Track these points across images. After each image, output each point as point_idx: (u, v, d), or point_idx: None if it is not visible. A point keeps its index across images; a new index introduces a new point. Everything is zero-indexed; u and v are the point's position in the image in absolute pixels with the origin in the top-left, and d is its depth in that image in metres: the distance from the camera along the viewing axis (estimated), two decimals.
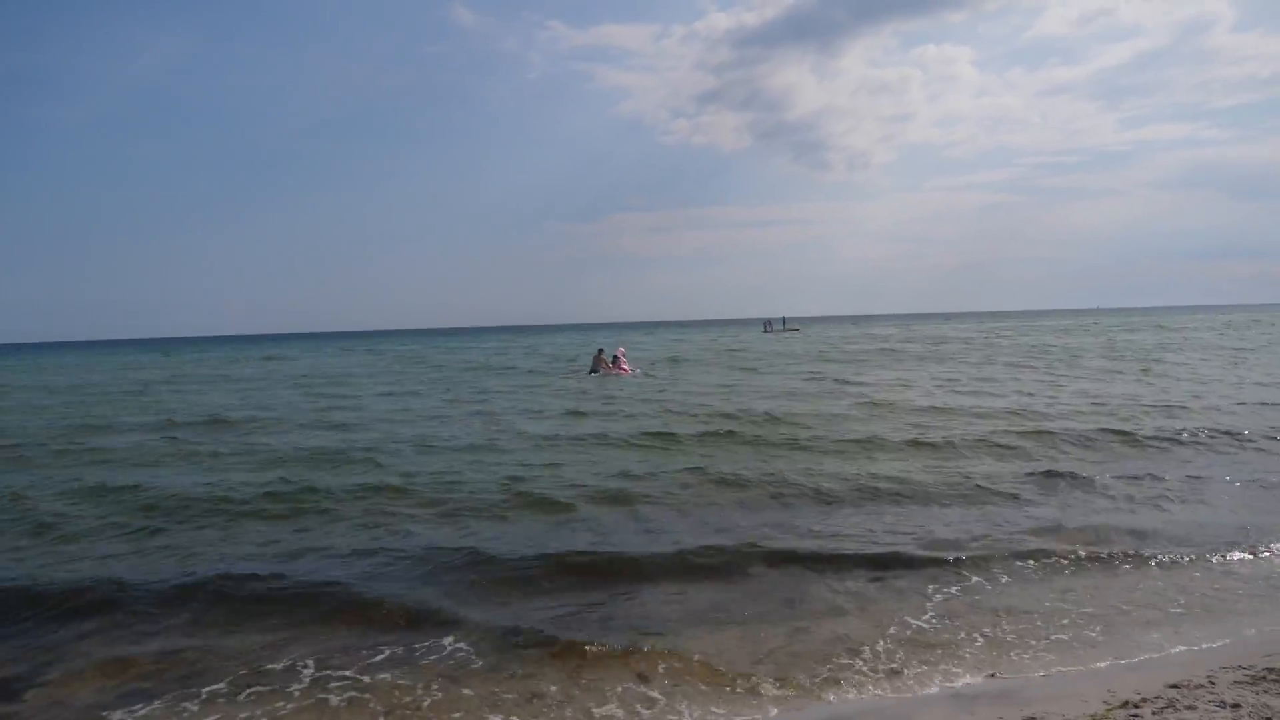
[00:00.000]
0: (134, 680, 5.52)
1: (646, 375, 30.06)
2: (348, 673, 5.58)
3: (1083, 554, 7.63)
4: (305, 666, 5.66)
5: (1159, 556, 7.60)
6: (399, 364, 45.66)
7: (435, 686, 5.36)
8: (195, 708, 5.19)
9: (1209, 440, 13.07)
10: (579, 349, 58.50)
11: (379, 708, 5.14)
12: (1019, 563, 7.47)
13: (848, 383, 25.07)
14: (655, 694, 5.25)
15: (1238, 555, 7.62)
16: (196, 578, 7.33)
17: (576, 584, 7.15)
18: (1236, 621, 6.23)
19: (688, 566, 7.50)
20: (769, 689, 5.30)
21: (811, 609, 6.57)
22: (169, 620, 6.48)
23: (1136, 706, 4.64)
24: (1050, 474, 10.96)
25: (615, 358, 31.93)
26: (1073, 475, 10.84)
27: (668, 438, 14.46)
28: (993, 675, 5.45)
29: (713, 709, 5.08)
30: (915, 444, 13.28)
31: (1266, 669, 5.05)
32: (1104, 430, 14.09)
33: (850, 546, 7.96)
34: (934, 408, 17.82)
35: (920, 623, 6.27)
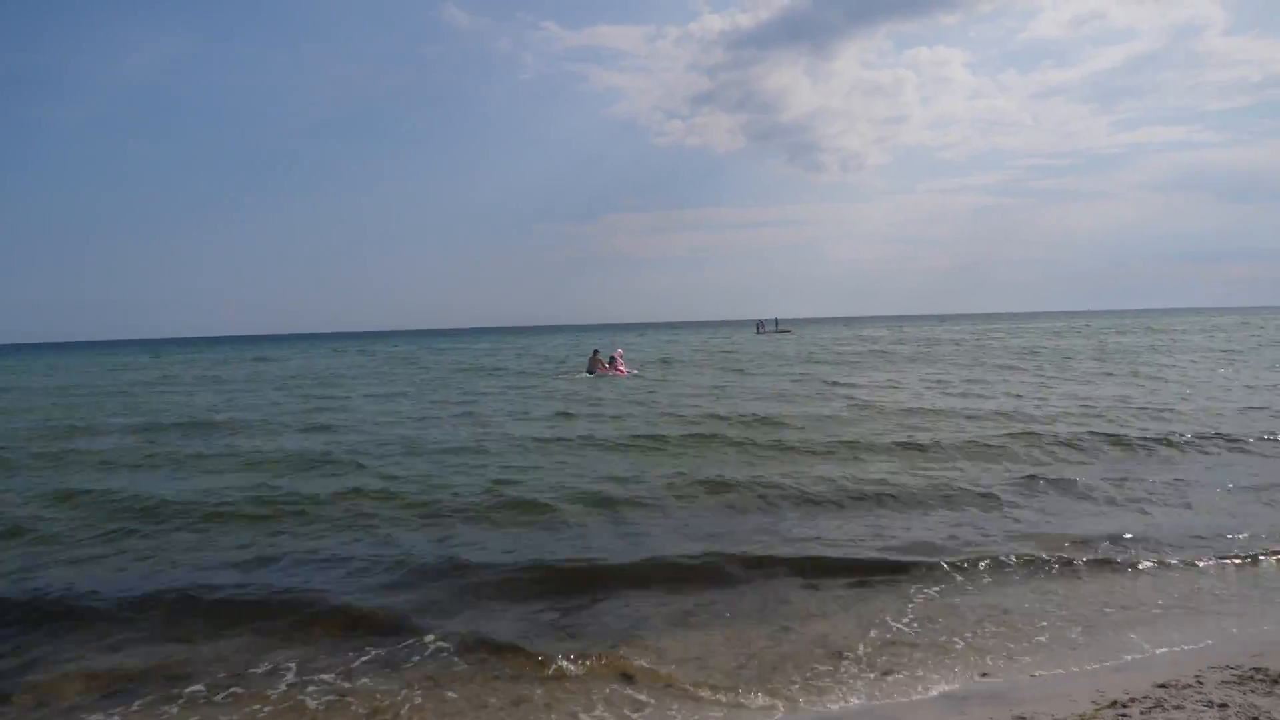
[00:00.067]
0: (111, 685, 5.45)
1: (637, 376, 30.02)
2: (327, 677, 5.52)
3: (1065, 557, 7.59)
4: (285, 671, 5.60)
5: (1140, 560, 7.58)
6: (389, 365, 45.54)
7: (418, 691, 5.29)
8: (174, 710, 5.13)
9: (1195, 443, 13.05)
10: (570, 350, 58.47)
11: (360, 711, 5.08)
12: (1001, 566, 7.41)
13: (837, 384, 25.08)
14: (643, 697, 5.21)
15: (1217, 558, 7.59)
16: (173, 584, 7.25)
17: (560, 589, 7.07)
18: (1214, 623, 6.22)
19: (671, 571, 7.43)
20: (756, 692, 5.26)
21: (796, 612, 6.54)
22: (144, 627, 6.39)
23: (1125, 706, 4.63)
24: (1034, 477, 10.92)
25: (612, 358, 31.95)
26: (1057, 478, 10.79)
27: (655, 440, 14.40)
28: (984, 675, 5.43)
29: (701, 712, 5.04)
30: (902, 446, 13.24)
31: (1254, 669, 5.05)
32: (1091, 433, 14.09)
33: (833, 550, 7.91)
34: (922, 409, 17.80)
35: (901, 625, 6.23)
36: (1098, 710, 4.63)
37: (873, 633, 6.13)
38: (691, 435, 14.84)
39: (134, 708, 5.16)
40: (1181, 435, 13.56)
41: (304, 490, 10.90)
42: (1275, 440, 13.13)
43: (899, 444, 13.40)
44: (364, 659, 5.76)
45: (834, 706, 5.09)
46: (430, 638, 6.03)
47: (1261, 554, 7.70)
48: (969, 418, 16.40)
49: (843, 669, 5.58)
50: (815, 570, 7.36)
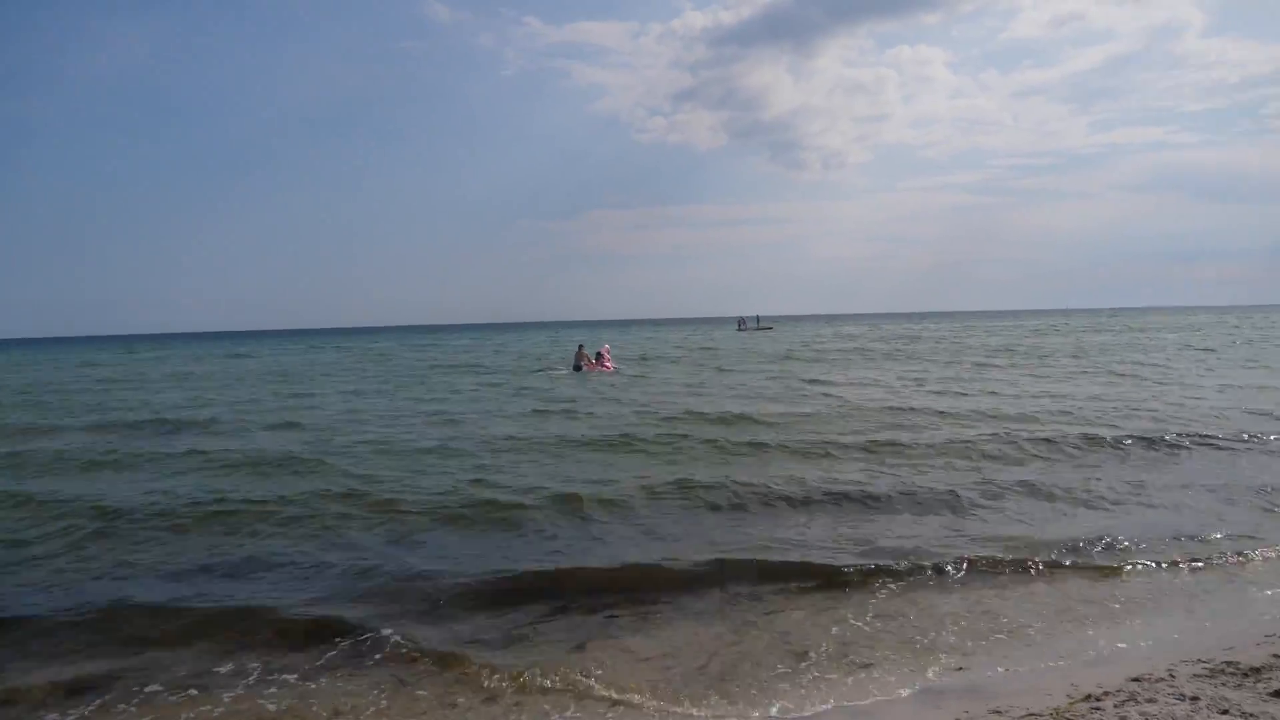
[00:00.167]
0: (69, 692, 5.35)
1: (618, 373, 29.96)
2: (290, 678, 5.48)
3: (1034, 558, 7.56)
4: (248, 674, 5.53)
5: (1110, 559, 7.62)
6: (366, 362, 45.08)
7: (382, 696, 5.22)
8: (133, 708, 5.11)
9: (1168, 442, 13.11)
10: (551, 347, 58.34)
11: (322, 713, 5.03)
12: (969, 566, 7.38)
13: (814, 381, 25.13)
14: (613, 695, 5.19)
15: (1187, 557, 7.63)
16: (129, 592, 7.06)
17: (525, 595, 6.94)
18: (1186, 619, 6.28)
19: (638, 574, 7.34)
20: (721, 695, 5.22)
21: (763, 613, 6.50)
22: (100, 636, 6.20)
23: (1098, 700, 4.67)
24: (1006, 477, 10.92)
25: (599, 354, 31.89)
26: (1029, 479, 10.77)
27: (627, 440, 14.25)
28: (960, 669, 5.45)
29: (671, 708, 5.03)
30: (875, 446, 13.15)
31: (1225, 663, 5.11)
32: (1063, 432, 14.14)
33: (801, 552, 7.84)
34: (897, 408, 17.77)
35: (874, 625, 6.22)
36: (1072, 704, 4.66)
37: (844, 631, 6.13)
38: (666, 434, 14.71)
39: (91, 707, 5.12)
40: (1155, 434, 13.65)
41: (268, 492, 10.61)
42: (1247, 439, 13.24)
43: (872, 443, 13.32)
44: (325, 665, 5.65)
45: (808, 705, 5.09)
46: (392, 645, 5.91)
47: (1231, 553, 7.78)
48: (944, 416, 16.43)
49: (813, 668, 5.56)
50: (782, 571, 7.29)
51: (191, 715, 5.04)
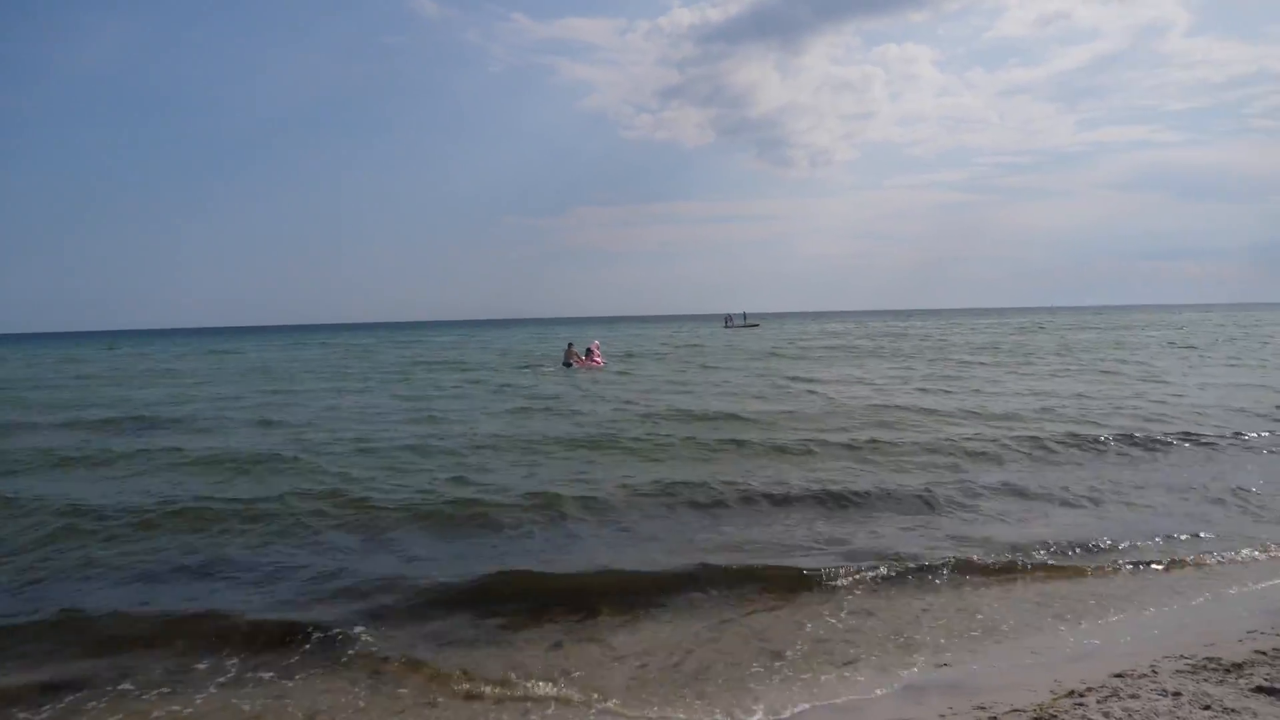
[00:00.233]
0: (38, 695, 5.25)
1: (606, 368, 29.89)
2: (265, 675, 5.44)
3: (1011, 557, 7.57)
4: (214, 680, 5.43)
5: (1091, 558, 7.64)
6: (350, 358, 44.75)
7: (360, 699, 5.15)
8: (103, 705, 5.06)
9: (1149, 441, 13.15)
10: (536, 343, 58.27)
11: (298, 713, 4.97)
12: (946, 565, 7.37)
13: (799, 379, 25.16)
14: (592, 696, 5.15)
15: (1168, 556, 7.68)
16: (93, 595, 6.91)
17: (502, 596, 6.78)
18: (1168, 616, 6.31)
19: (616, 576, 7.19)
20: (703, 690, 5.21)
21: (742, 611, 6.49)
22: (67, 643, 6.03)
23: (1082, 695, 4.67)
24: (986, 476, 10.95)
25: (589, 350, 31.90)
26: (1008, 479, 10.79)
27: (609, 438, 14.13)
28: (943, 666, 5.45)
29: (649, 710, 5.00)
30: (855, 444, 13.09)
31: (1206, 659, 5.13)
32: (1045, 430, 14.19)
33: (778, 554, 7.79)
34: (880, 406, 17.76)
35: (844, 623, 6.22)
36: (1055, 699, 4.67)
37: (826, 630, 6.13)
38: (648, 432, 14.62)
39: (62, 704, 5.08)
40: (1137, 433, 13.71)
41: (242, 491, 10.47)
42: (1228, 437, 13.34)
43: (855, 441, 13.28)
44: (299, 666, 5.58)
45: (790, 703, 5.07)
46: (368, 646, 5.82)
47: (1212, 551, 7.84)
48: (928, 414, 16.44)
49: (794, 666, 5.55)
50: (762, 572, 7.21)
51: (162, 715, 4.97)
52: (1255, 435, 13.41)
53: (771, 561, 7.54)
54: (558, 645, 5.89)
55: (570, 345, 32.76)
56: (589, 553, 7.98)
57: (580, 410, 18.23)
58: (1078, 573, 7.29)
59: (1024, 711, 4.54)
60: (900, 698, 4.99)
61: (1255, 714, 4.31)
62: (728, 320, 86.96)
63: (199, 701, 5.14)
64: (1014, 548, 7.85)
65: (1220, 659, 5.09)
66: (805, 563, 7.44)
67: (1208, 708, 4.40)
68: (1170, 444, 12.88)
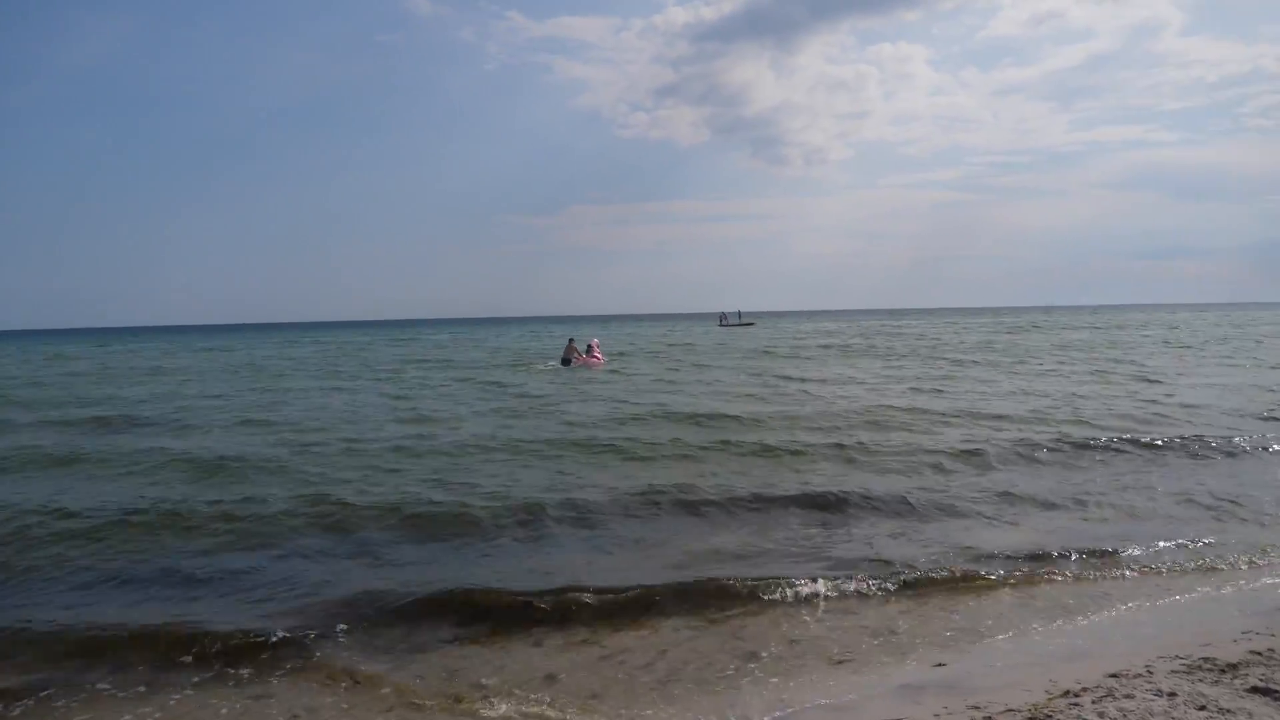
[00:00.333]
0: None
1: (611, 370, 29.68)
2: (232, 684, 5.35)
3: (1004, 559, 7.58)
4: (175, 694, 5.29)
5: (1078, 560, 7.62)
6: (342, 357, 44.46)
7: (335, 707, 5.07)
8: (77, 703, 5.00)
9: (1143, 444, 13.06)
10: (531, 341, 58.26)
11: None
12: (938, 568, 7.36)
13: (792, 379, 25.12)
14: (575, 707, 5.11)
15: (1155, 557, 7.69)
16: (51, 605, 6.73)
17: (477, 606, 6.56)
18: (1164, 616, 6.31)
19: (597, 584, 6.91)
20: (688, 698, 5.19)
21: (725, 616, 6.43)
22: (15, 659, 5.83)
23: (1077, 695, 4.66)
24: (978, 479, 10.90)
25: (589, 347, 31.91)
26: (1000, 482, 10.73)
27: (596, 441, 13.88)
28: (938, 666, 5.45)
29: (643, 711, 4.99)
30: (845, 446, 12.93)
31: (1202, 659, 5.12)
32: (1039, 432, 14.15)
33: (758, 560, 7.72)
34: (872, 407, 17.63)
35: (838, 624, 6.25)
36: (1050, 699, 4.65)
37: (821, 630, 6.13)
38: (636, 434, 14.41)
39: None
40: (1131, 435, 13.67)
41: (218, 495, 10.23)
42: (1223, 439, 13.26)
43: (845, 443, 13.13)
44: (264, 679, 5.43)
45: (786, 703, 5.06)
46: (340, 656, 5.73)
47: (1208, 553, 7.87)
48: (921, 415, 16.32)
49: (788, 667, 5.56)
50: (745, 579, 7.02)
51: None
52: (1249, 436, 13.42)
53: (758, 568, 7.44)
54: (539, 654, 5.81)
55: (571, 341, 32.72)
56: (567, 560, 7.81)
57: (570, 410, 18.08)
58: (1071, 574, 7.29)
59: (1019, 711, 4.53)
60: (895, 697, 4.98)
61: (1250, 714, 4.30)
62: (723, 319, 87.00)
63: (173, 703, 5.10)
64: (1007, 550, 7.85)
65: (1216, 659, 5.09)
66: (795, 569, 7.39)
67: (1203, 708, 4.39)
68: (1164, 445, 12.86)
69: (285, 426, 16.36)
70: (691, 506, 9.59)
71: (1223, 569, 7.43)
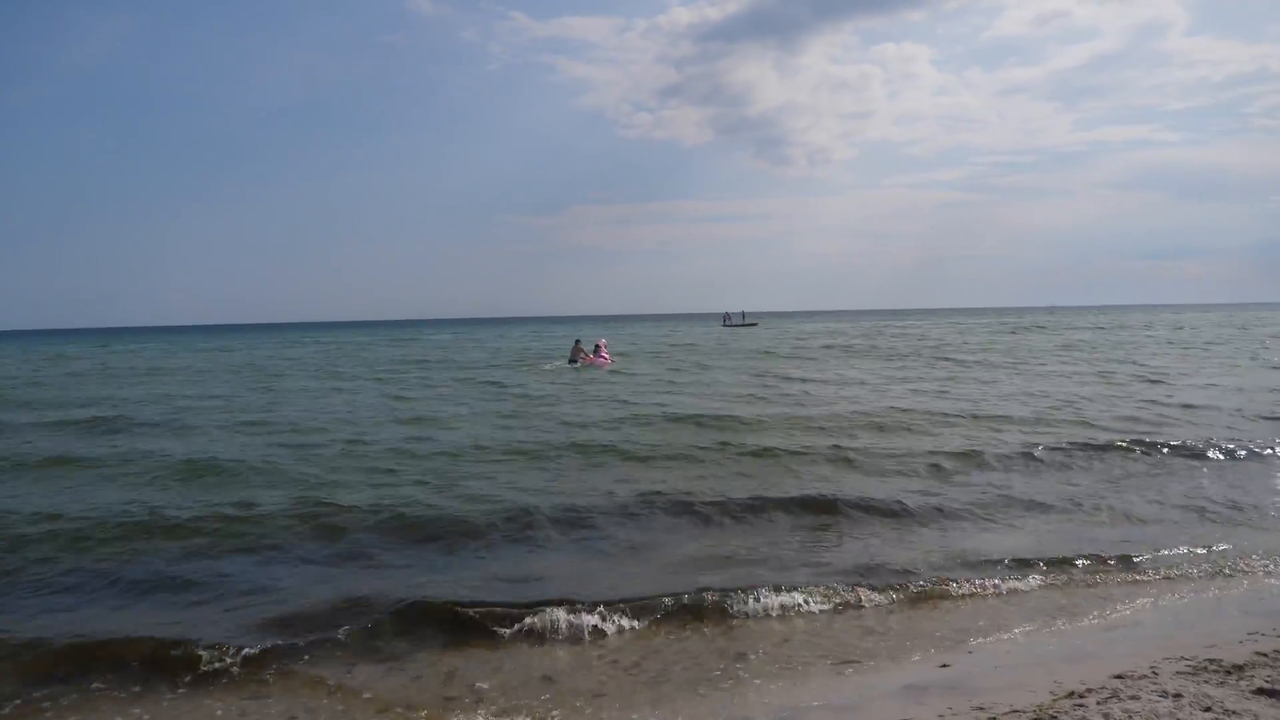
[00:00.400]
0: None
1: (614, 371, 29.51)
2: (207, 700, 5.23)
3: (1005, 561, 7.55)
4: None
5: (1082, 562, 7.60)
6: (344, 357, 44.37)
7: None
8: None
9: (1150, 445, 12.98)
10: (532, 342, 58.24)
11: None
12: (940, 570, 7.35)
13: (794, 380, 25.08)
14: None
15: (1160, 559, 7.69)
16: (15, 621, 6.45)
17: (445, 631, 6.23)
18: (1168, 618, 6.26)
19: (584, 597, 6.63)
20: (681, 693, 5.22)
21: (727, 621, 6.39)
22: None
23: (1082, 697, 4.65)
24: (979, 481, 10.87)
25: (596, 347, 31.90)
26: (1003, 484, 10.67)
27: (593, 443, 13.67)
28: (943, 667, 5.43)
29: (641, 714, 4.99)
30: (845, 448, 12.79)
31: (1207, 660, 5.11)
32: (1042, 434, 14.12)
33: (761, 566, 7.63)
34: (875, 408, 17.52)
35: (843, 626, 6.26)
36: (1055, 700, 4.64)
37: (826, 631, 6.15)
38: (633, 437, 14.20)
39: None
40: (1134, 436, 13.60)
41: (210, 500, 10.02)
42: (1229, 442, 13.17)
43: (846, 445, 13.04)
44: (241, 692, 5.32)
45: (794, 702, 5.05)
46: (323, 671, 5.58)
47: (1212, 555, 7.88)
48: (922, 417, 16.17)
49: (794, 668, 5.55)
50: (749, 584, 6.90)
51: None
52: (1253, 438, 13.37)
53: (756, 572, 7.38)
54: (531, 660, 5.75)
55: (577, 342, 32.68)
56: (561, 567, 7.69)
57: (570, 412, 17.98)
58: (1073, 576, 7.29)
59: (1024, 712, 4.51)
60: (900, 698, 4.97)
61: (1256, 716, 4.29)
62: (726, 319, 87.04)
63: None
64: (1008, 552, 7.84)
65: (1221, 660, 5.07)
66: (795, 573, 7.39)
67: (1208, 709, 4.38)
68: (1166, 447, 12.78)
69: (283, 428, 16.18)
70: (689, 510, 9.45)
71: (1227, 571, 7.43)
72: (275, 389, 25.31)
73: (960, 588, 6.99)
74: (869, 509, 9.42)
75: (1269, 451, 12.47)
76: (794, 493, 10.08)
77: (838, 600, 6.70)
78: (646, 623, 6.26)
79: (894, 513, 9.31)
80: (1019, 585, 7.05)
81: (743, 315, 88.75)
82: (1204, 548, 7.96)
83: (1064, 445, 12.93)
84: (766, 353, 39.64)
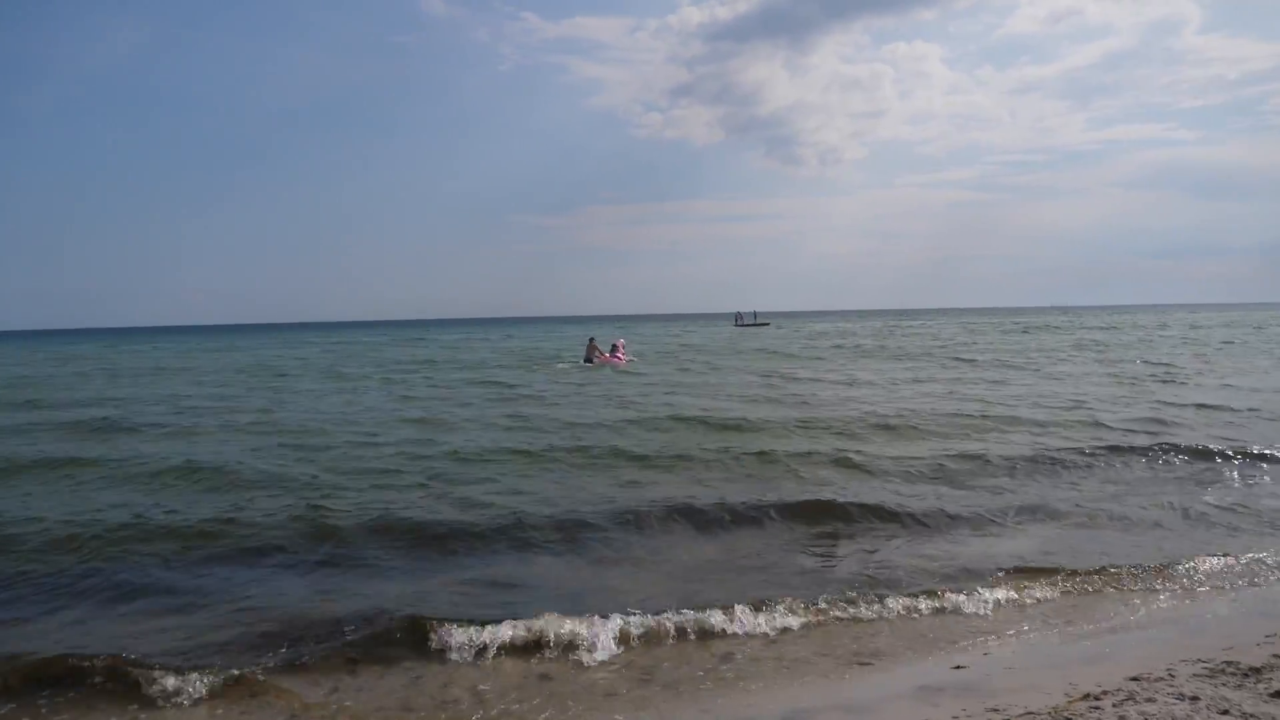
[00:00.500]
0: None
1: (626, 371, 29.45)
2: None
3: (1018, 564, 7.51)
4: None
5: (1096, 565, 7.55)
6: (353, 357, 44.33)
7: None
8: None
9: (1160, 446, 12.84)
10: (544, 342, 58.32)
11: None
12: (955, 572, 7.33)
13: (802, 379, 25.03)
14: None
15: (1174, 562, 7.63)
16: None
17: (446, 633, 5.99)
18: (1185, 620, 6.21)
19: (580, 618, 6.25)
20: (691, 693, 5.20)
21: (721, 623, 6.28)
22: None
23: (1097, 699, 4.62)
24: (992, 483, 10.78)
25: (614, 347, 31.89)
26: (1014, 487, 10.59)
27: (598, 447, 13.42)
28: (957, 668, 5.42)
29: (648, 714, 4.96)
30: (854, 451, 12.68)
31: (1225, 662, 5.07)
32: (1053, 434, 14.02)
33: (746, 574, 7.54)
34: (884, 409, 17.35)
35: (858, 627, 6.24)
36: (1070, 703, 4.62)
37: (838, 632, 6.14)
38: (638, 441, 13.95)
39: None
40: (1150, 438, 13.50)
41: (202, 505, 9.85)
42: (1248, 441, 13.04)
43: (855, 448, 12.92)
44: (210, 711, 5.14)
45: (804, 703, 5.05)
46: (307, 684, 5.42)
47: (1226, 555, 7.84)
48: (933, 419, 15.96)
49: (805, 667, 5.53)
50: (748, 595, 6.71)
51: None
52: (1271, 439, 13.22)
53: (759, 578, 7.34)
54: (520, 676, 5.60)
55: (592, 340, 32.60)
56: (559, 575, 7.54)
57: (574, 413, 17.81)
58: (1088, 578, 7.23)
59: (1039, 714, 4.50)
60: (914, 699, 4.96)
61: (1275, 719, 4.25)
62: (738, 319, 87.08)
63: None
64: (1020, 554, 7.83)
65: (1238, 663, 5.03)
66: (801, 577, 7.39)
67: (1226, 712, 4.35)
68: (1182, 449, 12.63)
69: (286, 430, 16.00)
70: (694, 515, 9.29)
71: (1243, 573, 7.37)
72: (281, 390, 25.25)
73: (971, 590, 6.93)
74: (877, 513, 9.32)
75: None
76: (800, 497, 9.94)
77: (844, 603, 6.64)
78: (649, 629, 6.13)
79: (902, 517, 9.20)
80: (1030, 588, 7.00)
81: (754, 315, 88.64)
82: (1218, 549, 7.90)
83: (1076, 447, 12.81)
84: (777, 353, 39.57)
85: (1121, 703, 4.55)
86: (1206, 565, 7.50)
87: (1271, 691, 4.58)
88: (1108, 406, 17.33)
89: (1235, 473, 11.24)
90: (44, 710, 5.16)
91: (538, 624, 6.05)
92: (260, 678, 5.44)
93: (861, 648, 5.88)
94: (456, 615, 6.30)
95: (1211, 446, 12.67)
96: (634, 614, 6.30)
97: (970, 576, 7.23)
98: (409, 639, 5.95)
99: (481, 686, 5.36)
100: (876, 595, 6.78)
